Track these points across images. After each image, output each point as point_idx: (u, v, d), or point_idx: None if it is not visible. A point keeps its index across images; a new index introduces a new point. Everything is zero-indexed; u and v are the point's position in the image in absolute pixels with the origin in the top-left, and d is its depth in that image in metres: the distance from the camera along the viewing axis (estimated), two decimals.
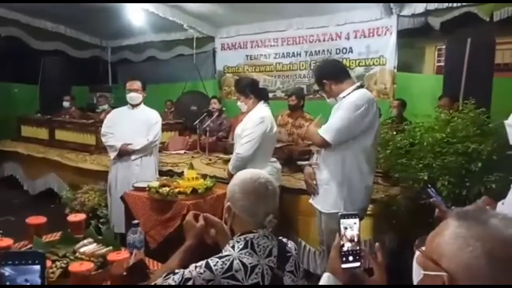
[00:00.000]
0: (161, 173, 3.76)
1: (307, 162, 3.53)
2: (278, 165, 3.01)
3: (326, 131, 2.19)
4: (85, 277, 1.39)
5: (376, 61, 5.58)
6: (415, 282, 0.86)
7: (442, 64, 5.38)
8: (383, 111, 4.61)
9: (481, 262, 0.71)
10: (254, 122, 2.77)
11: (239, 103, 2.97)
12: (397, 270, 1.11)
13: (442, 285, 0.74)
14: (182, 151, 4.77)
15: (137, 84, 3.50)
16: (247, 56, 6.64)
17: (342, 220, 1.05)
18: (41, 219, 1.79)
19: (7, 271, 0.66)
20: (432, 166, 2.28)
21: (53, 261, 1.53)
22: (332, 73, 2.29)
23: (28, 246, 1.68)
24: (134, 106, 3.55)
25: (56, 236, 1.84)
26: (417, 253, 0.83)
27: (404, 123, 3.31)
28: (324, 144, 2.20)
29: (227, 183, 1.42)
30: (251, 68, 6.60)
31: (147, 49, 7.36)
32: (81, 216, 1.91)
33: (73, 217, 1.89)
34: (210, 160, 4.13)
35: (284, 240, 1.40)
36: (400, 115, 4.52)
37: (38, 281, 0.67)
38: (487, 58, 4.01)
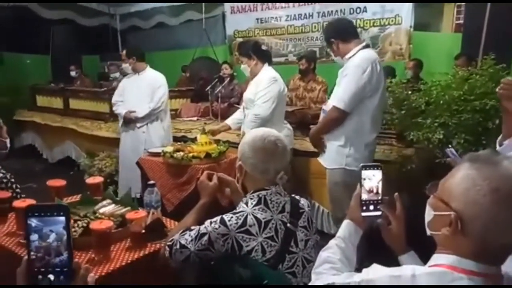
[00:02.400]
0: (175, 139, 3.80)
1: (314, 126, 3.54)
2: (290, 127, 3.02)
3: (339, 101, 2.23)
4: (106, 234, 1.45)
5: (392, 20, 5.34)
6: (426, 223, 0.88)
7: (462, 21, 5.15)
8: (399, 72, 4.52)
9: (487, 200, 0.73)
10: (268, 82, 2.75)
11: (242, 66, 2.94)
12: (411, 229, 1.12)
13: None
14: (195, 118, 4.79)
15: (123, 54, 3.55)
16: (257, 19, 6.45)
17: (363, 171, 1.07)
18: (61, 182, 1.84)
19: (34, 222, 0.69)
20: (447, 124, 2.24)
21: (75, 221, 1.60)
22: (340, 32, 2.30)
23: None
24: (138, 72, 3.56)
25: (76, 198, 1.91)
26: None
27: (420, 82, 3.23)
28: (342, 114, 2.24)
29: None
30: (262, 31, 6.43)
31: (156, 15, 7.22)
32: (99, 179, 1.96)
33: (91, 180, 1.95)
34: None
35: (297, 197, 1.42)
36: (416, 76, 4.39)
37: (63, 232, 0.69)
38: (509, 14, 3.82)
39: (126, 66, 3.59)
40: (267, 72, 2.82)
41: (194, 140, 3.27)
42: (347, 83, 2.20)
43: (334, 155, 2.33)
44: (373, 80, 2.18)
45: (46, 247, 0.69)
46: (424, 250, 1.03)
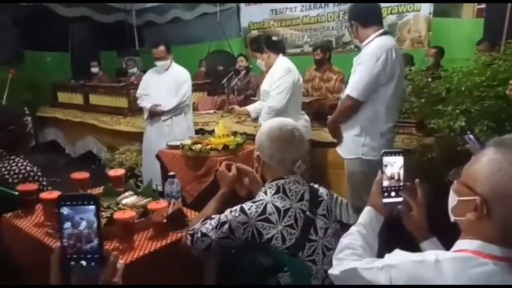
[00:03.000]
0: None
1: (330, 116, 3.51)
2: (307, 117, 3.01)
3: (353, 90, 2.20)
4: (129, 224, 1.48)
5: (410, 7, 5.23)
6: (449, 209, 0.87)
7: (483, 6, 4.98)
8: (418, 60, 4.42)
9: None
10: (282, 73, 2.75)
11: (257, 61, 2.96)
12: (432, 218, 1.11)
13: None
14: (212, 111, 4.82)
15: (161, 51, 3.51)
16: (272, 10, 6.42)
17: (384, 158, 1.06)
18: (84, 174, 1.90)
19: (66, 210, 0.72)
20: (470, 111, 2.18)
21: None
22: (360, 15, 2.26)
23: None
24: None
25: (99, 190, 1.96)
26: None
27: (440, 69, 3.15)
28: (356, 103, 2.21)
29: None
30: (277, 23, 6.39)
31: (171, 10, 7.26)
32: (121, 171, 2.00)
33: (113, 172, 2.00)
34: (239, 118, 4.15)
35: (316, 186, 1.42)
36: (437, 64, 4.28)
37: (93, 219, 0.71)
38: None
39: (164, 62, 3.53)
40: (281, 63, 2.83)
41: (211, 132, 3.30)
42: (361, 71, 2.17)
43: (350, 145, 2.31)
44: (387, 68, 2.14)
45: (78, 235, 0.71)
46: (446, 239, 1.02)
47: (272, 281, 1.23)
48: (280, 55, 2.88)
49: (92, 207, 0.71)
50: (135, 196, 1.81)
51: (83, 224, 0.71)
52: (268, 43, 2.87)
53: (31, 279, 1.62)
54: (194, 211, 1.78)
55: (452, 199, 0.85)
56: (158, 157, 3.12)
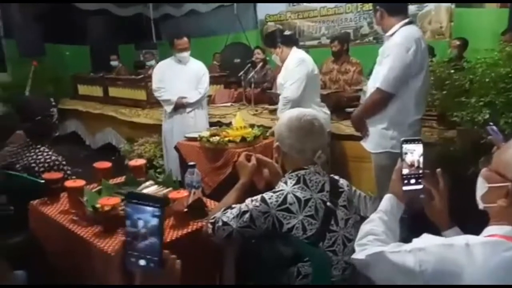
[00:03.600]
0: (210, 124, 3.87)
1: (355, 109, 3.48)
2: (327, 110, 3.00)
3: (383, 83, 2.13)
4: None
5: None
6: (478, 197, 0.86)
7: None
8: (439, 51, 4.32)
9: None
10: (294, 64, 2.78)
11: (273, 56, 3.00)
12: (453, 212, 1.10)
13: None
14: (229, 104, 4.83)
15: (185, 42, 3.54)
16: (289, 2, 6.37)
17: (404, 145, 1.06)
18: (107, 164, 1.94)
19: (128, 207, 0.74)
20: (494, 103, 2.13)
21: (122, 200, 1.68)
22: (387, 2, 2.18)
23: (97, 188, 1.85)
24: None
25: (121, 179, 2.00)
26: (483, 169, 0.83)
27: (463, 60, 3.08)
28: (387, 96, 2.15)
29: None
30: (294, 15, 6.34)
31: (187, 2, 7.29)
32: (142, 161, 2.04)
33: (134, 162, 2.03)
34: (256, 111, 4.16)
35: (336, 177, 1.42)
36: (460, 56, 4.18)
37: (152, 221, 0.72)
38: None
39: (188, 54, 3.58)
40: (294, 55, 2.87)
41: (228, 125, 3.32)
42: (391, 63, 2.09)
43: (378, 139, 2.24)
44: (418, 58, 2.07)
45: (135, 233, 0.73)
46: (467, 232, 1.00)
47: (291, 271, 1.24)
48: (294, 48, 2.90)
49: (151, 208, 0.72)
50: (155, 186, 1.85)
51: (140, 223, 0.72)
52: (280, 38, 2.89)
53: (55, 263, 1.67)
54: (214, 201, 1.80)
55: (482, 186, 0.84)
56: (176, 149, 3.17)
